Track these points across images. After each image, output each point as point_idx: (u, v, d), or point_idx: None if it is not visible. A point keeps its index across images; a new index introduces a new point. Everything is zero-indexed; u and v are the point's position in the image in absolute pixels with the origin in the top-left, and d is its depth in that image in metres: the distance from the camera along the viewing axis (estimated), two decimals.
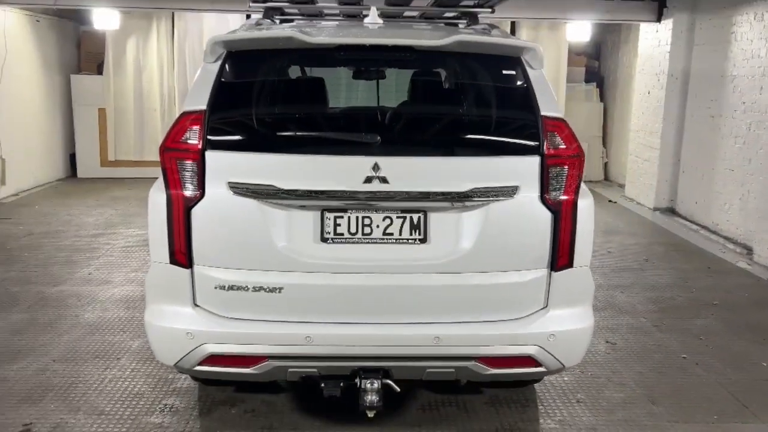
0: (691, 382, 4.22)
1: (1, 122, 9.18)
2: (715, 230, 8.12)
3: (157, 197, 2.86)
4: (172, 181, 2.83)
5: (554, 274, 2.91)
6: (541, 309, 2.95)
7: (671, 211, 9.30)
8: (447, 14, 4.21)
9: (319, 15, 4.24)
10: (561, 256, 2.89)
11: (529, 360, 2.92)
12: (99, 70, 11.21)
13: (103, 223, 8.16)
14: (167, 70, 11.11)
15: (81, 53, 11.48)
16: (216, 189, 2.82)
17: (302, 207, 2.84)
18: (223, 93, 2.87)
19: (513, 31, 11.12)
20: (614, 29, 11.53)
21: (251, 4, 3.80)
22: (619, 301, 5.74)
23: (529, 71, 2.94)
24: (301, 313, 2.88)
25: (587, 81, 11.91)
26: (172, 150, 2.84)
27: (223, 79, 2.88)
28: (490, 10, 3.86)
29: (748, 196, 7.48)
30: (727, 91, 8.01)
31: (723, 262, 7.02)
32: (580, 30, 10.48)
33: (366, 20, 3.37)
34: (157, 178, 2.95)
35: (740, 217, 7.66)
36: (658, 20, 9.36)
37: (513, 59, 2.98)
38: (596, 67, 12.20)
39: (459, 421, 3.64)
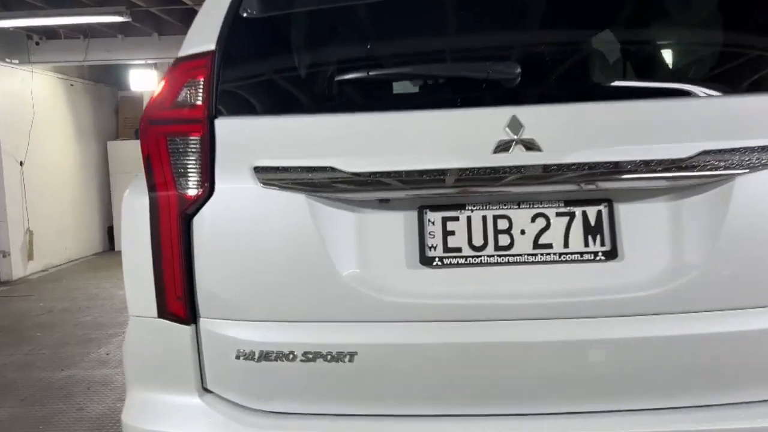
0: None
1: (28, 191, 8.36)
2: None
3: (135, 203, 1.67)
4: (159, 174, 1.64)
5: None
6: None
7: None
8: None
9: None
10: None
11: None
12: (137, 135, 10.46)
13: None
14: None
15: (119, 119, 10.82)
16: (233, 180, 1.61)
17: (384, 203, 1.60)
18: (242, 25, 1.70)
19: None
20: None
21: None
22: None
23: None
24: (390, 399, 1.59)
25: None
26: (160, 122, 1.66)
27: (243, 5, 1.71)
28: None
29: None
30: None
31: None
32: None
33: None
34: None
35: None
36: None
37: None
38: None
39: None
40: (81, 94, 9.83)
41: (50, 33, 8.08)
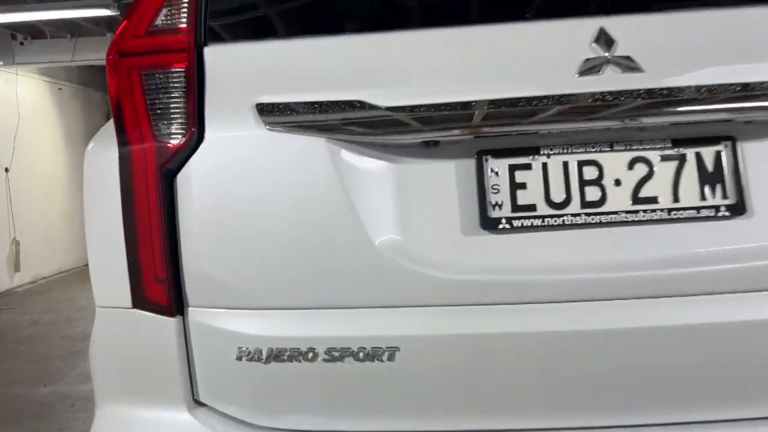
0: None
1: (14, 199, 7.96)
2: None
3: (100, 158, 1.28)
4: (132, 119, 1.25)
5: None
6: None
7: None
8: None
9: None
10: None
11: None
12: None
13: None
14: None
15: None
16: (228, 123, 1.22)
17: (431, 148, 1.21)
18: None
19: None
20: None
21: None
22: None
23: None
24: (444, 410, 1.19)
25: None
26: (133, 53, 1.27)
27: None
28: None
29: None
30: None
31: None
32: None
33: None
34: None
35: None
36: None
37: None
38: None
39: None
40: (70, 99, 9.46)
41: (35, 32, 7.71)
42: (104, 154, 1.26)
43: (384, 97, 1.16)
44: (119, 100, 1.27)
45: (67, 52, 7.74)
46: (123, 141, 1.25)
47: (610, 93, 1.12)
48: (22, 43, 7.67)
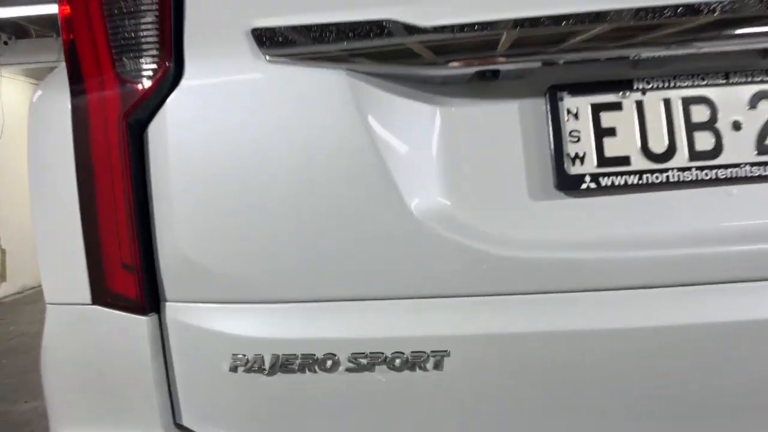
0: None
1: (1, 205, 7.65)
2: None
3: (51, 106, 0.98)
4: (88, 54, 0.95)
5: None
6: None
7: None
8: None
9: None
10: None
11: None
12: None
13: None
14: None
15: None
16: (214, 55, 0.92)
17: (486, 82, 0.90)
18: None
19: None
20: None
21: None
22: None
23: None
24: None
25: None
26: None
27: None
28: None
29: None
30: None
31: None
32: None
33: None
34: None
35: None
36: None
37: None
38: None
39: None
40: None
41: (20, 32, 7.41)
42: (54, 104, 0.97)
43: (423, 14, 0.86)
44: (73, 33, 0.97)
45: (53, 51, 7.43)
46: (77, 86, 0.95)
47: (724, 2, 0.83)
48: (6, 43, 7.37)
